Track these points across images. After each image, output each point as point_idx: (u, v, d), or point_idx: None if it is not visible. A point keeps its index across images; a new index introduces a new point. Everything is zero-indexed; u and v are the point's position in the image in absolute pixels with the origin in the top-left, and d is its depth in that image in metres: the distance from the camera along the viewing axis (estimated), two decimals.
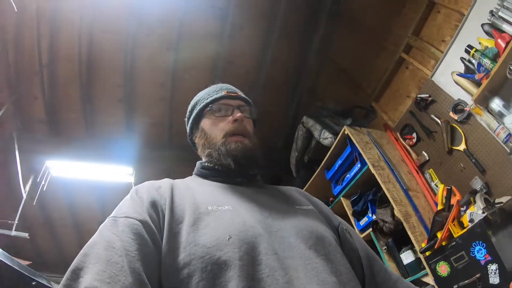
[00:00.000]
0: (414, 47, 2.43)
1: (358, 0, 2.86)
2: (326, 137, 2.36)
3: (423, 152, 2.24)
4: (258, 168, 0.85)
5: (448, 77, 2.04)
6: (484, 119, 1.85)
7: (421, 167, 2.25)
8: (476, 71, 1.83)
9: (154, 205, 0.65)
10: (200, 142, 0.87)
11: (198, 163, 0.89)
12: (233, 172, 0.80)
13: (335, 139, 2.33)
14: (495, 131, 1.77)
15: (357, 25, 2.94)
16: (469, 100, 1.91)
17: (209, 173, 0.83)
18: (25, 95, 3.04)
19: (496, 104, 1.72)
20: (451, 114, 2.04)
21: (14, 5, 2.05)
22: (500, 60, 1.63)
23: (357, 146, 2.13)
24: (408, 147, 2.33)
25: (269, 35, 3.13)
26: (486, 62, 1.75)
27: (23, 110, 3.16)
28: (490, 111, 1.78)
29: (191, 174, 0.88)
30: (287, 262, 0.59)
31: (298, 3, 3.00)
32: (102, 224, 0.63)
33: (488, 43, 1.78)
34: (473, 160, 1.89)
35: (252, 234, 0.61)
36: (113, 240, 0.56)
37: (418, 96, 2.25)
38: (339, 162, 2.36)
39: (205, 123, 0.87)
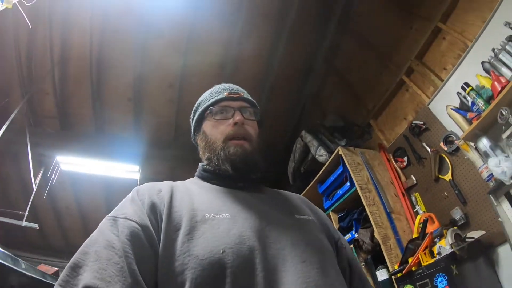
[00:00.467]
0: (415, 71, 2.47)
1: (367, 15, 2.85)
2: (321, 154, 2.46)
3: (412, 176, 2.33)
4: (258, 172, 0.82)
5: (444, 107, 2.10)
6: (470, 155, 1.92)
7: (408, 190, 2.35)
8: (470, 109, 1.89)
9: (153, 209, 0.65)
10: (201, 145, 0.86)
11: (200, 165, 0.87)
12: (234, 176, 0.78)
13: (329, 157, 2.44)
14: (479, 168, 1.85)
15: (364, 40, 2.95)
16: (460, 133, 1.98)
17: (210, 176, 0.82)
18: (37, 92, 3.15)
19: (484, 144, 1.79)
20: (441, 144, 2.11)
21: (27, 20, 2.13)
22: (493, 104, 1.68)
23: (348, 168, 2.24)
24: (398, 169, 2.43)
25: (277, 40, 3.17)
26: (480, 102, 1.80)
27: (35, 105, 3.28)
28: (477, 149, 1.85)
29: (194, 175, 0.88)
30: (278, 278, 0.59)
31: (308, 10, 3.01)
32: (101, 223, 0.63)
33: (486, 82, 1.82)
34: (456, 191, 1.99)
35: (247, 247, 0.61)
36: (113, 240, 0.57)
37: (413, 122, 2.31)
38: (332, 178, 2.48)
39: (206, 125, 0.85)
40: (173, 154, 3.64)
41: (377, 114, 2.83)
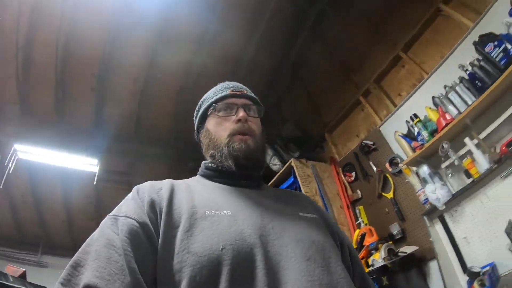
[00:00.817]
0: (372, 93, 2.63)
1: (339, 29, 2.96)
2: (275, 164, 2.53)
3: (358, 190, 2.51)
4: (260, 169, 0.82)
5: (393, 131, 2.28)
6: (411, 179, 2.13)
7: (353, 203, 2.53)
8: (415, 138, 2.08)
9: (153, 207, 0.64)
10: (204, 142, 0.85)
11: (202, 163, 0.86)
12: (237, 173, 0.77)
13: (282, 167, 2.51)
14: (417, 191, 2.05)
15: (331, 53, 3.07)
16: (404, 157, 2.17)
17: (213, 174, 0.81)
18: None
19: (423, 171, 1.98)
20: (387, 165, 2.30)
21: None
22: (436, 137, 1.87)
23: (298, 179, 2.33)
24: (346, 183, 2.59)
25: (248, 44, 3.16)
26: (425, 134, 1.99)
27: None
28: (417, 174, 2.06)
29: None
30: (281, 276, 0.57)
31: (283, 15, 3.03)
32: (102, 221, 0.63)
33: (433, 115, 2.01)
34: (396, 209, 2.18)
35: (248, 244, 0.59)
36: (113, 238, 0.57)
37: (364, 141, 2.48)
38: (283, 186, 2.55)
39: (210, 122, 0.85)
40: (134, 149, 3.49)
41: (332, 128, 2.97)
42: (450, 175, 1.91)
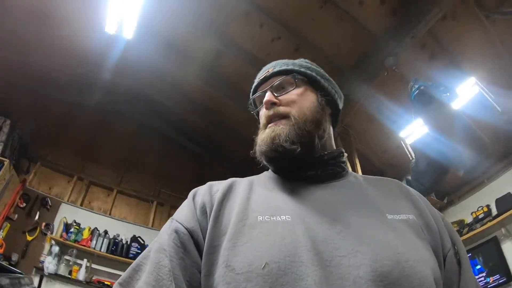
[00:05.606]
0: None
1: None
2: None
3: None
4: (308, 154, 0.64)
5: None
6: None
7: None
8: None
9: (204, 212, 0.59)
10: None
11: None
12: (293, 167, 0.65)
13: None
14: None
15: None
16: None
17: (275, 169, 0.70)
18: None
19: None
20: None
21: None
22: None
23: None
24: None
25: None
26: None
27: None
28: None
29: None
30: None
31: None
32: (165, 224, 0.60)
33: None
34: None
35: (301, 262, 0.46)
36: (164, 242, 0.54)
37: None
38: None
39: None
40: None
41: None
42: None
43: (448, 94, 2.16)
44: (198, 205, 0.60)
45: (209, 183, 0.66)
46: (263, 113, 0.69)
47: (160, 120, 4.59)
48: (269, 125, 0.66)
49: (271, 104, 0.67)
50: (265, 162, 0.67)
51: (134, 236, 3.65)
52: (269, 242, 0.49)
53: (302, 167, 0.64)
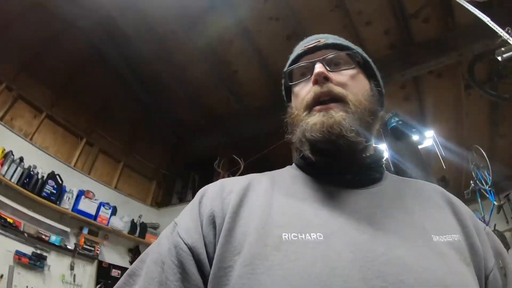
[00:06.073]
0: None
1: None
2: None
3: None
4: (360, 153, 0.54)
5: None
6: None
7: None
8: None
9: (212, 223, 0.47)
10: (289, 123, 0.60)
11: None
12: (336, 165, 0.53)
13: None
14: None
15: None
16: None
17: (305, 165, 0.57)
18: None
19: None
20: None
21: None
22: None
23: None
24: None
25: None
26: None
27: None
28: None
29: None
30: None
31: None
32: (168, 226, 0.52)
33: None
34: None
35: None
36: (164, 254, 0.47)
37: None
38: None
39: (291, 96, 0.61)
40: None
41: None
42: None
43: (418, 136, 2.36)
44: (205, 213, 0.49)
45: (221, 180, 0.54)
46: (309, 89, 0.54)
47: (117, 52, 3.99)
48: (316, 107, 0.52)
49: (324, 78, 0.53)
50: (307, 154, 0.53)
51: (52, 172, 3.17)
52: (298, 268, 0.39)
53: (343, 168, 0.53)
